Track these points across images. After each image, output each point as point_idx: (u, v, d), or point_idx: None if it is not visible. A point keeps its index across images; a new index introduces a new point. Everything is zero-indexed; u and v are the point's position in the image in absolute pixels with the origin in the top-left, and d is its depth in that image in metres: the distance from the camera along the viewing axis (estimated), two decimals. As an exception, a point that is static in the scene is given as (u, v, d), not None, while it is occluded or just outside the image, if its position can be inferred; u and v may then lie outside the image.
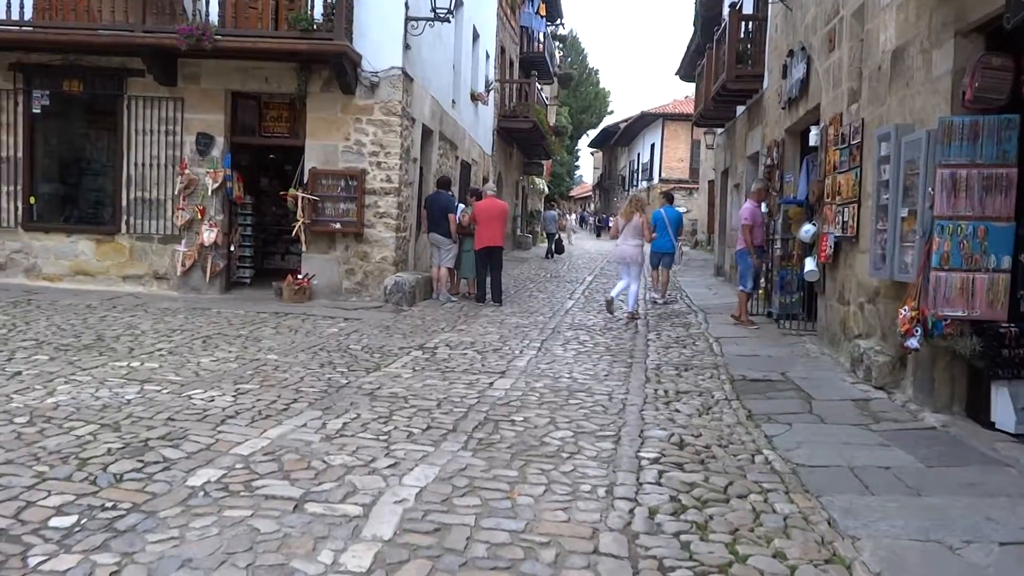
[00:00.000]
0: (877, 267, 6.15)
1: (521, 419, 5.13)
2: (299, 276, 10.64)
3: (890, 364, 6.11)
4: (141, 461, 4.00)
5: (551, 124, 25.99)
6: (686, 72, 24.45)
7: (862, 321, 6.90)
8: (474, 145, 17.40)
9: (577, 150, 56.80)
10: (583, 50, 51.39)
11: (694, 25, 21.86)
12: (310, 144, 10.76)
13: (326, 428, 4.74)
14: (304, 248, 10.76)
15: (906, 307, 5.34)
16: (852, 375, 6.62)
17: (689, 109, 39.77)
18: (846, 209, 7.28)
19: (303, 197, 10.58)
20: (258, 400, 5.32)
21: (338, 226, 10.72)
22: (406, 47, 10.80)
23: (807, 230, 8.35)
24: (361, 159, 10.72)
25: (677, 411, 5.51)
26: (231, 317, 9.11)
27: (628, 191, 51.81)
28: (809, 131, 10.22)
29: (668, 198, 13.79)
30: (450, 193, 11.82)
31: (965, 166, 5.10)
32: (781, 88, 10.73)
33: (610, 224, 39.24)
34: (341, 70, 10.22)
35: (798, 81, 9.25)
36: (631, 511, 3.61)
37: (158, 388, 5.54)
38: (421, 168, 12.72)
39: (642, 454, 4.48)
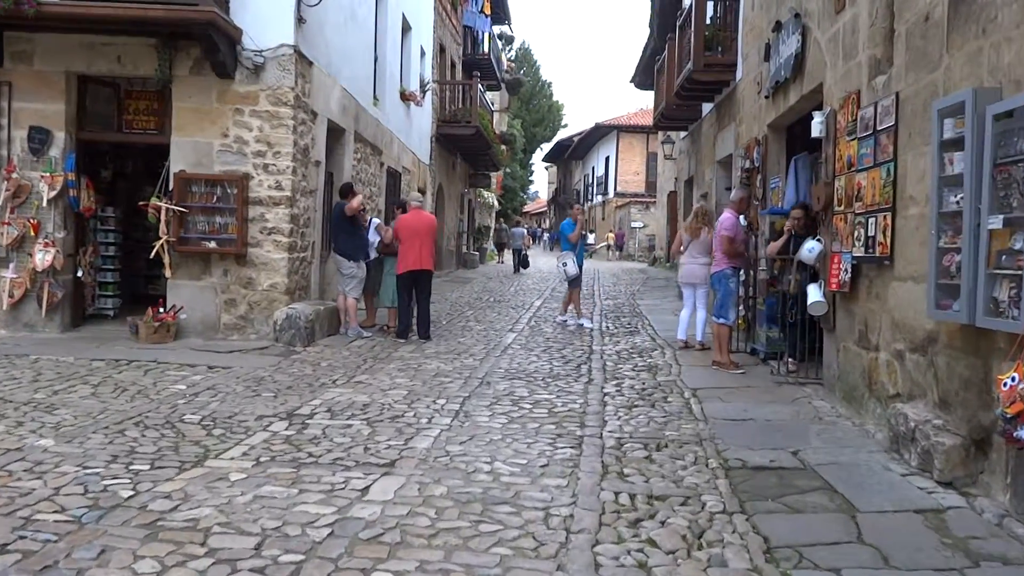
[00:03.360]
0: (940, 304, 4.16)
1: (389, 580, 2.98)
2: (161, 309, 8.33)
3: (963, 449, 4.11)
4: None
5: (497, 132, 23.99)
6: (641, 79, 22.73)
7: (901, 376, 4.92)
8: (405, 151, 15.26)
9: (531, 164, 55.16)
10: (536, 62, 49.90)
11: (650, 27, 20.18)
12: (178, 141, 8.49)
13: (5, 630, 2.53)
14: (168, 273, 8.46)
15: (1015, 374, 3.34)
16: (896, 457, 4.61)
17: (644, 121, 38.31)
18: (872, 220, 5.32)
19: (167, 208, 8.30)
20: (-70, 553, 3.08)
21: (213, 245, 8.45)
22: (299, 20, 8.62)
23: (811, 248, 6.38)
24: (243, 160, 8.49)
25: (652, 544, 3.41)
26: (48, 368, 6.78)
27: (583, 205, 50.19)
28: (798, 124, 8.37)
29: (568, 206, 12.01)
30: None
31: (1113, 146, 3.15)
32: (762, 75, 8.82)
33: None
34: (212, 47, 8.01)
35: (789, 59, 7.32)
36: None
37: None
38: (331, 174, 10.53)
39: None
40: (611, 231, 38.46)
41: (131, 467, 4.22)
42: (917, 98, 4.73)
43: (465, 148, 21.39)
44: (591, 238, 39.36)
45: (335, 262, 9.51)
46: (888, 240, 5.07)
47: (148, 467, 4.23)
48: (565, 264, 10.74)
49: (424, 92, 16.77)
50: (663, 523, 3.65)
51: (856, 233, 5.58)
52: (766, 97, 8.46)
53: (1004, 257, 3.63)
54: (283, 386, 6.49)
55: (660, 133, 22.72)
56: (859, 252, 5.54)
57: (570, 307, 11.20)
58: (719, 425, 5.49)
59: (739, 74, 10.25)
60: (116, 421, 5.13)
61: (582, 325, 10.81)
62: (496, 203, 35.77)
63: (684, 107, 13.05)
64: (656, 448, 4.93)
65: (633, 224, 36.19)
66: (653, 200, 32.93)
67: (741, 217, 8.33)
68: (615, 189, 39.72)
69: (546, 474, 4.34)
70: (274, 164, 8.48)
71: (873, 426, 5.25)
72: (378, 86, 12.96)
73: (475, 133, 19.25)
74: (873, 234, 5.30)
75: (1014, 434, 3.31)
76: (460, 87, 21.06)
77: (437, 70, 19.13)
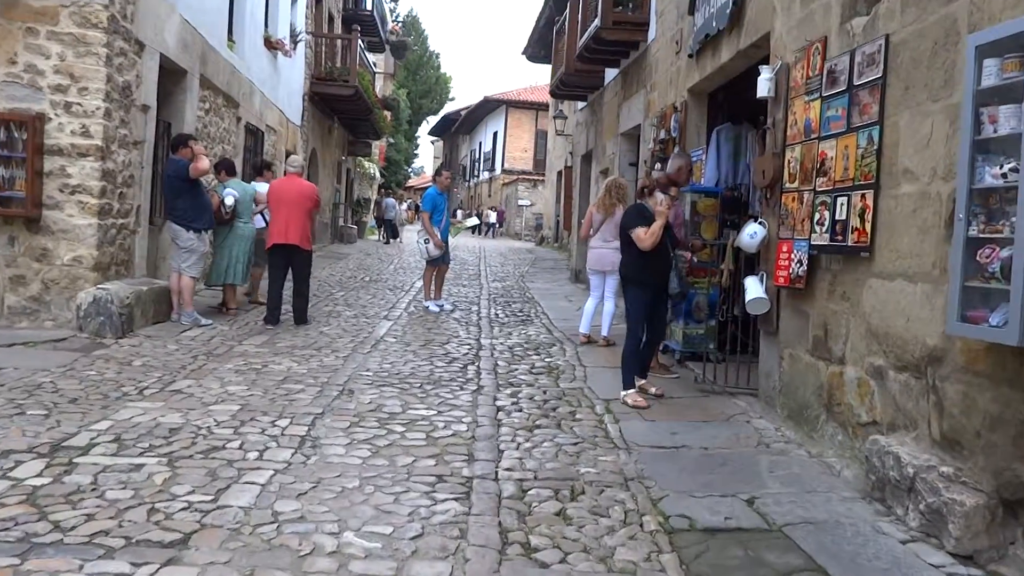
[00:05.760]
0: (968, 315, 3.04)
1: None
2: (-84, 287, 6.34)
3: (987, 512, 3.03)
4: None
5: (379, 96, 22.15)
6: (534, 51, 21.48)
7: (880, 400, 3.84)
8: (270, 108, 13.32)
9: (417, 138, 53.13)
10: (423, 32, 47.79)
11: (545, -7, 18.92)
12: (-56, 66, 6.47)
13: None
14: (-73, 240, 6.45)
15: None
16: (883, 511, 3.51)
17: (535, 97, 37.26)
18: (843, 200, 4.21)
19: (-74, 154, 6.29)
20: None
21: (-8, 205, 6.51)
22: (117, -81, 6.73)
23: (752, 233, 5.24)
24: (37, 96, 6.55)
25: None
26: None
27: (469, 182, 48.70)
28: (722, 91, 7.32)
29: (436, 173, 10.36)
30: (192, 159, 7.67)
31: None
32: (682, 32, 7.70)
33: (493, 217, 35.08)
34: (-9, -59, 6.05)
35: (724, 7, 6.16)
36: None
37: None
38: (168, 125, 8.64)
39: None
40: (492, 208, 37.16)
41: None
42: (921, 39, 3.61)
43: (343, 111, 19.46)
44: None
45: (170, 232, 7.72)
46: (867, 225, 3.97)
47: None
48: (428, 241, 9.30)
49: (295, 43, 14.81)
50: (599, 651, 2.36)
51: (817, 216, 4.48)
52: (689, 56, 7.31)
53: (1090, 254, 2.53)
54: (66, 398, 4.78)
55: (551, 106, 21.63)
56: (821, 240, 4.44)
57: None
58: (646, 456, 4.27)
59: (652, 34, 9.11)
60: None
61: (442, 308, 9.53)
62: (378, 175, 33.73)
63: (586, 73, 11.84)
64: (571, 496, 3.64)
65: (520, 202, 35.11)
66: (542, 178, 31.95)
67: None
68: (503, 166, 38.50)
69: (420, 552, 2.95)
70: (79, 104, 6.59)
71: (836, 458, 4.18)
72: (236, 26, 11.02)
73: (354, 94, 17.38)
74: (843, 218, 4.19)
75: None
76: (339, 44, 19.05)
77: (312, 21, 17.13)
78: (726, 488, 3.79)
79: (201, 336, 7.03)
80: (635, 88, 9.91)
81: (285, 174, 8.53)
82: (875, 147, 3.93)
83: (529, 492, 3.66)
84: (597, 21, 9.58)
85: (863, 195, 4.01)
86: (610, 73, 11.40)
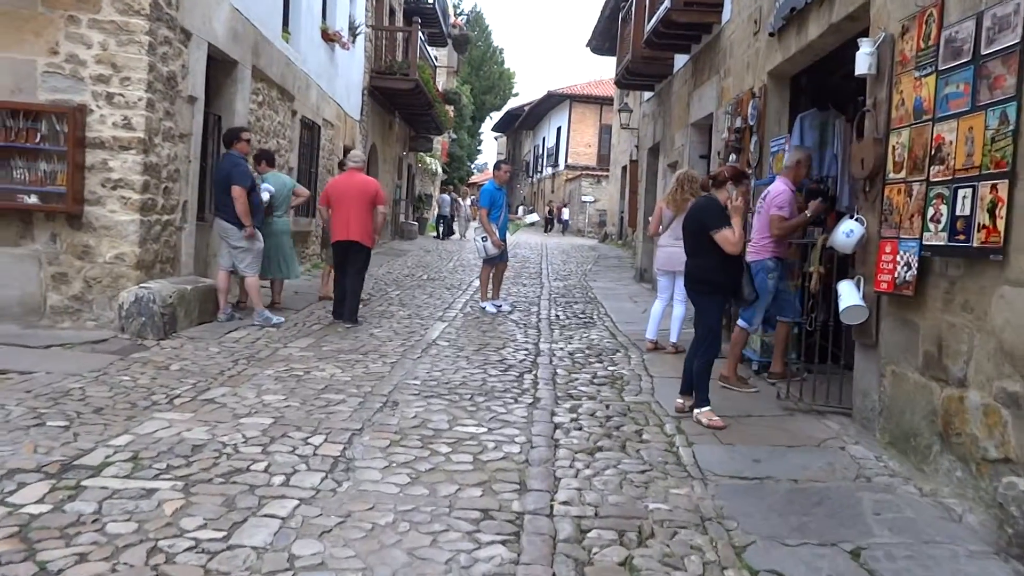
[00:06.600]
0: None
1: None
2: (-43, 286, 6.17)
3: None
4: None
5: (440, 90, 21.82)
6: (598, 43, 20.88)
7: (1015, 433, 3.17)
8: (327, 102, 13.05)
9: (480, 134, 52.94)
10: (487, 27, 47.61)
11: (611, -18, 18.24)
12: (-14, 57, 6.28)
13: None
14: (-31, 237, 6.28)
15: None
16: (1023, 569, 2.88)
17: (599, 91, 36.52)
18: (965, 192, 3.54)
19: (-33, 148, 6.11)
20: None
21: (35, 200, 6.28)
22: (160, -99, 6.44)
23: (848, 231, 4.57)
24: (79, 87, 6.31)
25: None
26: None
27: (532, 178, 48.17)
28: (805, 74, 6.63)
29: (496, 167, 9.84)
30: (246, 155, 7.42)
31: None
32: (761, 9, 7.02)
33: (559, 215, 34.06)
34: (31, -75, 5.80)
35: (814, -23, 5.49)
36: None
37: None
38: (218, 118, 8.38)
39: None
40: (564, 204, 36.43)
41: None
42: (1077, -6, 2.94)
43: (403, 105, 19.19)
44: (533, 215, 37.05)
45: (219, 230, 7.42)
46: (1000, 223, 3.30)
47: None
48: (485, 239, 8.85)
49: (355, 35, 14.53)
50: None
51: (932, 212, 3.81)
52: (770, 35, 6.64)
53: None
54: (91, 407, 4.46)
55: (616, 98, 20.97)
56: (936, 239, 3.77)
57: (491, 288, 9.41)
58: (726, 490, 3.68)
59: (727, 14, 8.42)
60: None
61: (499, 308, 9.06)
62: (440, 171, 33.52)
63: (653, 60, 11.19)
64: (638, 540, 3.10)
65: (584, 198, 34.37)
66: (606, 174, 31.21)
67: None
68: (566, 161, 37.86)
69: (455, 616, 2.46)
70: (121, 94, 6.33)
71: (955, 499, 3.52)
72: (291, 17, 10.75)
73: (414, 88, 17.07)
74: (966, 213, 3.53)
75: None
76: (400, 37, 18.82)
77: (372, 14, 16.87)
78: (824, 534, 3.19)
79: (245, 338, 6.71)
80: (707, 75, 9.23)
81: (343, 168, 8.37)
82: (1010, 128, 3.26)
83: (589, 534, 3.13)
84: (667, 2, 8.93)
85: (994, 186, 3.34)
86: (679, 60, 10.72)
